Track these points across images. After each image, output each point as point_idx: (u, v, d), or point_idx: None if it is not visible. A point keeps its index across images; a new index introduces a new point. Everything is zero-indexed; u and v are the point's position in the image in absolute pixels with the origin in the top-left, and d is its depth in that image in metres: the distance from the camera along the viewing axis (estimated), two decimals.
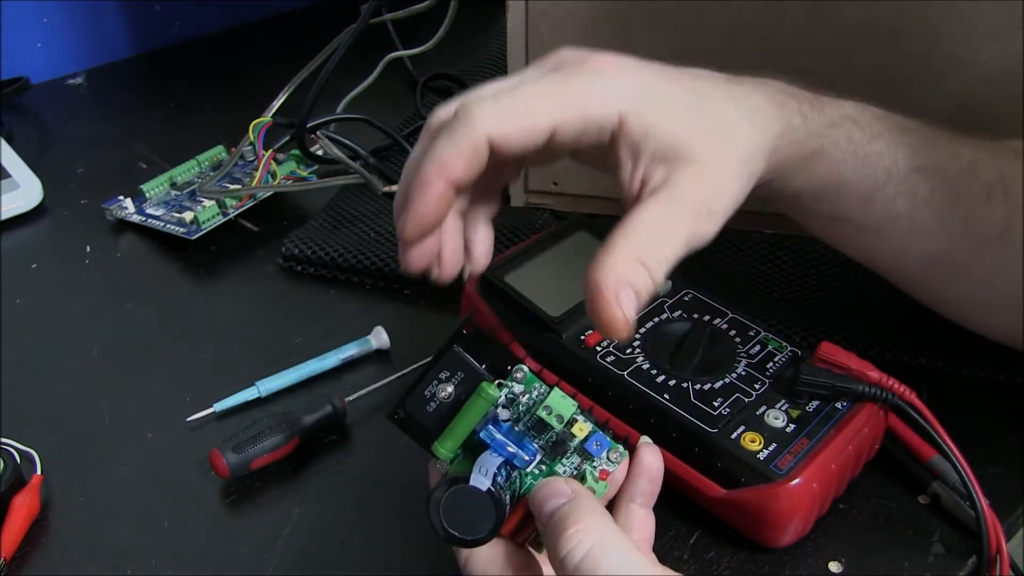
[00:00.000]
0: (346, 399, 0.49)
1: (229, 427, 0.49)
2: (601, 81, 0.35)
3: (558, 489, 0.34)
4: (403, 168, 0.37)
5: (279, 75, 0.64)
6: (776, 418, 0.43)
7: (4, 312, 0.58)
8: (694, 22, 0.54)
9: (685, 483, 0.43)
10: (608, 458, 0.35)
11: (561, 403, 0.35)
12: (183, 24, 0.93)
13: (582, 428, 0.35)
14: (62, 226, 0.67)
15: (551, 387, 0.36)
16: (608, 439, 0.35)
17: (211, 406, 0.50)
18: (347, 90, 0.76)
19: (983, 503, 0.41)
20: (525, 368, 0.36)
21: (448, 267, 0.38)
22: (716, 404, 0.43)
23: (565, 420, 0.35)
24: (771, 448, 0.41)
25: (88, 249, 0.64)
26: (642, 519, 0.37)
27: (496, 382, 0.36)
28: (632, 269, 0.34)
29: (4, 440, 0.48)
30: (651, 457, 0.37)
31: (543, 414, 0.35)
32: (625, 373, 0.45)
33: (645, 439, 0.38)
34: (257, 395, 0.51)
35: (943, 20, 0.50)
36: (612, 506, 0.37)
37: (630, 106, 0.35)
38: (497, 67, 0.78)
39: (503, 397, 0.36)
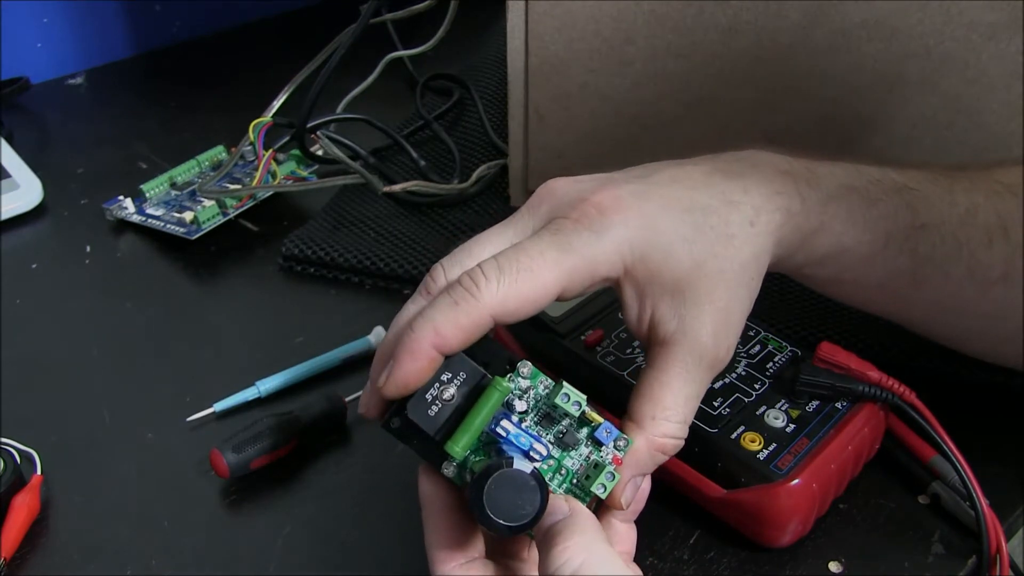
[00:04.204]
0: (346, 399, 0.49)
1: (229, 427, 0.49)
2: (605, 236, 0.35)
3: (556, 507, 0.34)
4: (394, 319, 0.37)
5: (279, 75, 0.64)
6: (776, 418, 0.43)
7: (4, 312, 0.58)
8: (694, 22, 0.54)
9: (685, 483, 0.43)
10: (616, 446, 0.35)
11: (575, 392, 0.35)
12: (183, 24, 0.93)
13: (595, 417, 0.35)
14: (62, 226, 0.67)
15: (559, 380, 0.35)
16: (615, 428, 0.35)
17: (211, 406, 0.50)
18: (347, 90, 0.76)
19: (983, 503, 0.41)
20: (530, 363, 0.35)
21: None
22: (716, 404, 0.43)
23: (582, 407, 0.35)
24: (771, 448, 0.41)
25: (88, 249, 0.64)
26: (623, 533, 0.37)
27: (507, 377, 0.35)
28: (650, 460, 0.36)
29: (4, 440, 0.48)
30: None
31: (560, 401, 0.34)
32: (625, 373, 0.45)
33: None
34: (257, 395, 0.51)
35: (943, 20, 0.50)
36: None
37: (635, 255, 0.36)
38: (497, 67, 0.78)
39: (515, 387, 0.35)
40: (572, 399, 0.35)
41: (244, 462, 0.46)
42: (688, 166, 0.39)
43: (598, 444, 0.35)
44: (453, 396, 0.35)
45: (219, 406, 0.50)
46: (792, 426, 0.42)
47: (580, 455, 0.36)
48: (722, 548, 0.43)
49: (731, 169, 0.39)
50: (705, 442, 0.42)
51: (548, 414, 0.35)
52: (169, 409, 0.51)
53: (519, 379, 0.35)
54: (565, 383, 0.35)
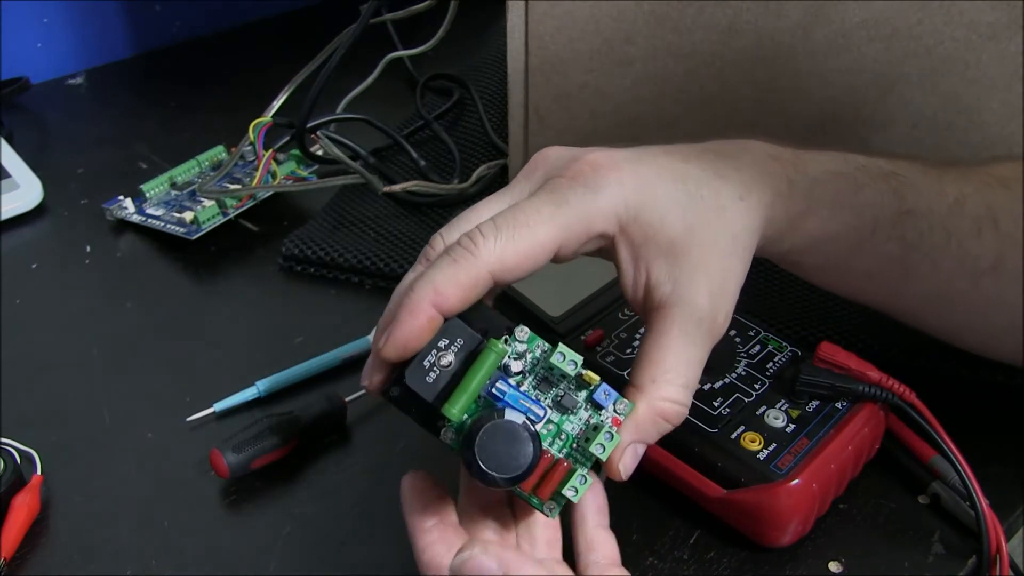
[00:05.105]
0: (346, 399, 0.49)
1: (229, 427, 0.49)
2: (600, 193, 0.36)
3: (483, 566, 0.33)
4: (395, 288, 0.37)
5: (279, 75, 0.64)
6: (776, 418, 0.43)
7: (4, 312, 0.58)
8: (694, 22, 0.54)
9: (685, 483, 0.43)
10: (616, 409, 0.35)
11: (571, 352, 0.35)
12: (183, 24, 0.93)
13: (591, 377, 0.35)
14: (62, 226, 0.67)
15: (555, 344, 0.35)
16: (614, 390, 0.35)
17: (211, 406, 0.50)
18: (347, 90, 0.76)
19: (983, 503, 0.41)
20: (527, 329, 0.35)
21: None
22: (716, 404, 0.43)
23: (579, 365, 0.35)
24: (771, 448, 0.41)
25: (88, 249, 0.64)
26: (603, 539, 0.37)
27: (503, 338, 0.35)
28: (652, 427, 0.35)
29: (4, 440, 0.48)
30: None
31: (556, 361, 0.34)
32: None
33: None
34: (257, 395, 0.51)
35: (943, 20, 0.50)
36: (571, 531, 0.37)
37: (630, 213, 0.36)
38: (497, 67, 0.78)
39: (512, 351, 0.35)
40: (568, 358, 0.34)
41: (244, 462, 0.46)
42: (679, 145, 0.39)
43: (597, 408, 0.35)
44: (451, 363, 0.35)
45: (219, 406, 0.50)
46: (792, 426, 0.42)
47: (579, 419, 0.35)
48: (722, 548, 0.43)
49: (721, 150, 0.39)
50: (705, 442, 0.42)
51: (546, 378, 0.35)
52: (169, 409, 0.51)
53: (516, 343, 0.35)
54: (562, 344, 0.35)
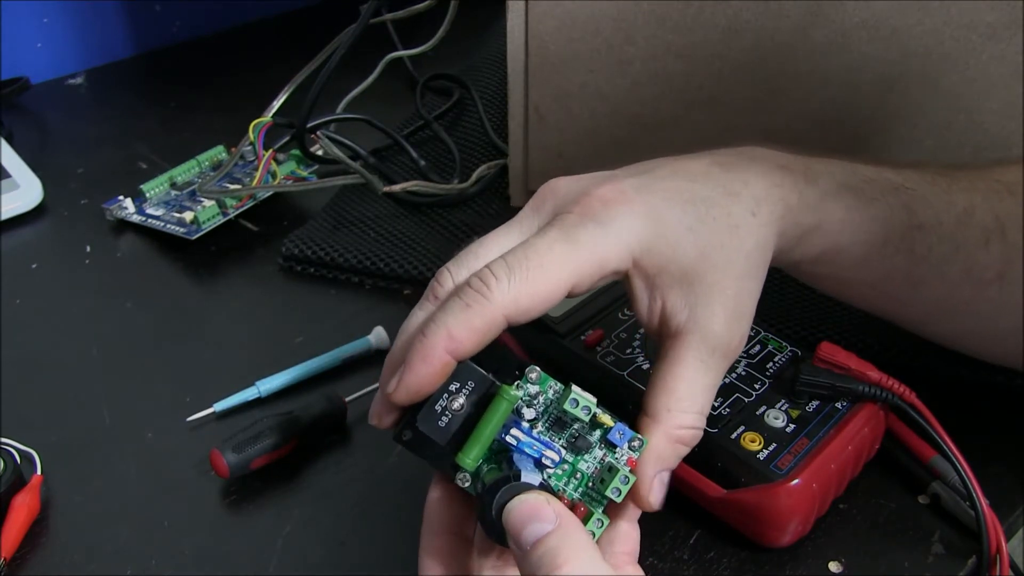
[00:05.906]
0: (346, 399, 0.49)
1: (229, 427, 0.49)
2: (611, 228, 0.35)
3: (539, 511, 0.32)
4: (401, 325, 0.36)
5: (279, 75, 0.64)
6: (776, 418, 0.43)
7: (4, 312, 0.58)
8: (694, 22, 0.54)
9: (685, 483, 0.43)
10: (630, 447, 0.35)
11: (584, 395, 0.34)
12: (183, 24, 0.93)
13: (605, 419, 0.35)
14: (62, 226, 0.67)
15: (567, 384, 0.35)
16: (628, 428, 0.35)
17: (211, 406, 0.50)
18: (347, 90, 0.76)
19: (983, 503, 0.41)
20: (538, 368, 0.35)
21: None
22: (716, 404, 0.43)
23: (592, 411, 0.34)
24: (771, 448, 0.41)
25: (88, 249, 0.64)
26: (626, 533, 0.37)
27: (515, 384, 0.35)
28: (671, 453, 0.36)
29: (4, 440, 0.48)
30: None
31: (569, 407, 0.34)
32: (625, 373, 0.45)
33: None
34: (257, 395, 0.51)
35: (943, 20, 0.50)
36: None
37: (642, 247, 0.36)
38: (497, 67, 0.78)
39: (524, 394, 0.35)
40: (581, 404, 0.34)
41: (244, 462, 0.46)
42: (686, 160, 0.39)
43: (612, 446, 0.35)
44: (462, 406, 0.34)
45: (219, 406, 0.50)
46: (792, 426, 0.42)
47: (594, 458, 0.35)
48: (722, 548, 0.43)
49: (729, 163, 0.39)
50: (705, 442, 0.42)
51: (559, 418, 0.35)
52: (169, 409, 0.51)
53: (528, 385, 0.35)
54: (574, 387, 0.34)
